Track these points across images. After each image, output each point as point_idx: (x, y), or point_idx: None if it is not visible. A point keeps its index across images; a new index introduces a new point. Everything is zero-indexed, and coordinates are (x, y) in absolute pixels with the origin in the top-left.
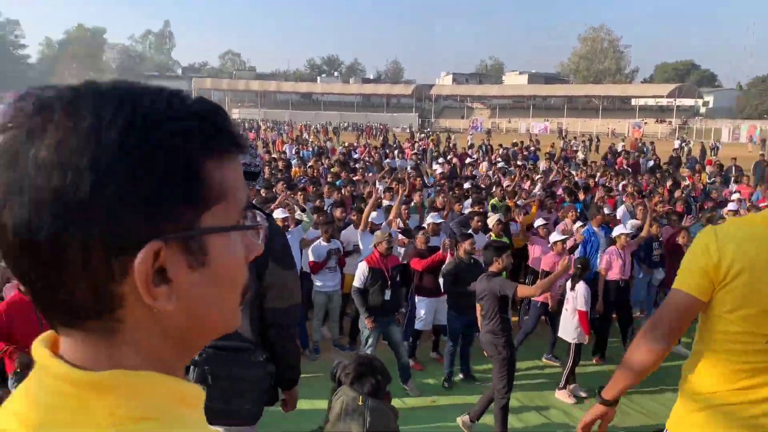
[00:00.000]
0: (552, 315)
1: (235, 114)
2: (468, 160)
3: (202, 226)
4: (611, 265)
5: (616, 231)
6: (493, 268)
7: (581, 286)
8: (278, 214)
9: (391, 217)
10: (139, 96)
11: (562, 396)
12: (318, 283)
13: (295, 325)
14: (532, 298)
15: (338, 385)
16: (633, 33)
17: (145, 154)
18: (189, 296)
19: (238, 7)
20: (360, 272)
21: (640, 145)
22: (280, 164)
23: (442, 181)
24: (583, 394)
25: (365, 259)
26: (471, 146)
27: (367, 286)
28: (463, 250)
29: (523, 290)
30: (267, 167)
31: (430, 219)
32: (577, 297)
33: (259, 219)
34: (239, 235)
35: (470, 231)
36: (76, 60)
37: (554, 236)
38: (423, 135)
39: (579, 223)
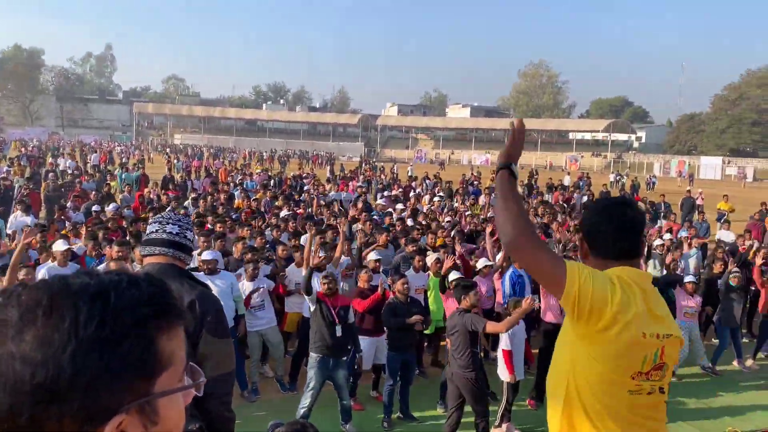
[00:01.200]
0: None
1: (177, 139)
2: (412, 194)
3: (155, 391)
4: (549, 306)
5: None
6: (463, 305)
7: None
8: (207, 255)
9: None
10: (107, 291)
11: None
12: (248, 323)
13: (230, 392)
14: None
15: None
16: (571, 69)
17: (116, 343)
18: None
19: (183, 32)
20: (310, 301)
21: (577, 180)
22: (222, 197)
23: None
24: None
25: (317, 292)
26: (413, 178)
27: (315, 318)
28: (396, 290)
29: (491, 326)
30: (209, 198)
31: (372, 256)
32: (500, 337)
33: (196, 375)
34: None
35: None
36: (11, 81)
37: (482, 262)
38: (367, 165)
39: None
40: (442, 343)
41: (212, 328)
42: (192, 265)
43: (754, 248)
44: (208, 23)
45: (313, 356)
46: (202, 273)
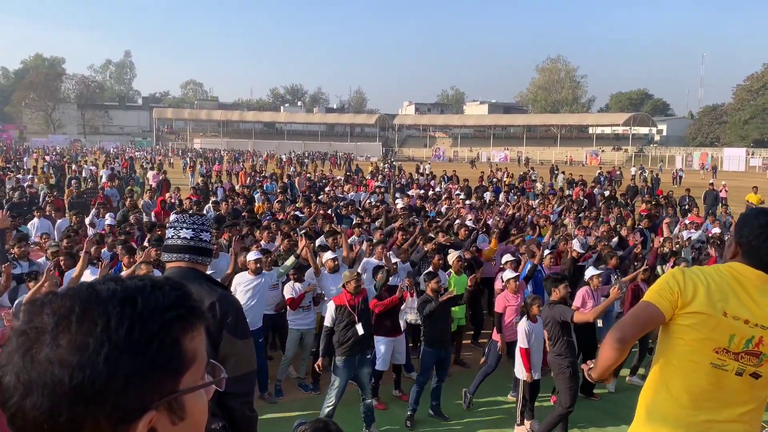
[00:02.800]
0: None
1: (197, 144)
2: (431, 193)
3: (181, 388)
4: (585, 304)
5: (588, 273)
6: (553, 297)
7: (522, 323)
8: (251, 256)
9: (344, 255)
10: (134, 297)
11: None
12: (293, 321)
13: (251, 391)
14: (492, 338)
15: None
16: (589, 63)
17: (145, 345)
18: None
19: (200, 37)
20: (328, 313)
21: (597, 175)
22: (241, 201)
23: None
24: None
25: (333, 299)
26: (432, 176)
27: (335, 325)
28: (429, 289)
29: (579, 316)
30: (228, 202)
31: (391, 258)
32: (519, 335)
33: (217, 371)
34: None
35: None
36: (33, 90)
37: (507, 274)
38: (386, 166)
39: (508, 257)
40: (464, 342)
41: (232, 329)
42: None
43: None
44: (224, 27)
45: (339, 359)
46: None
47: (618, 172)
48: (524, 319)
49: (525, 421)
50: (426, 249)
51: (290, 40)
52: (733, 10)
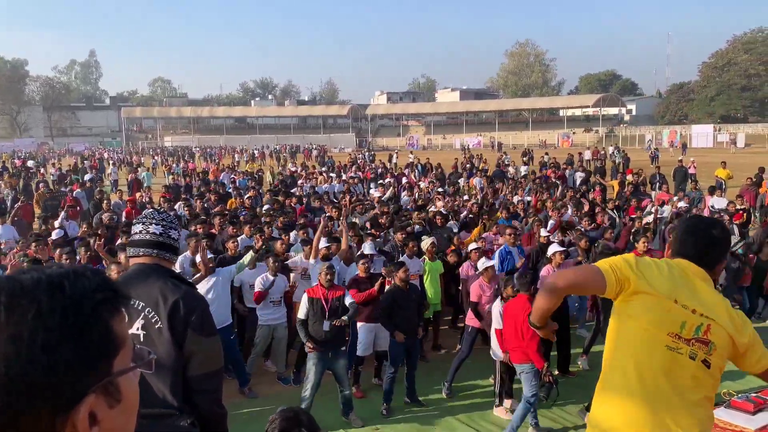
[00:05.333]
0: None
1: (168, 142)
2: (404, 180)
3: (115, 371)
4: None
5: (551, 250)
6: None
7: (496, 305)
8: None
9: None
10: (60, 283)
11: (499, 413)
12: (263, 316)
13: (220, 388)
14: (466, 324)
15: None
16: (558, 46)
17: (81, 329)
18: (111, 427)
19: (166, 34)
20: (302, 303)
21: (569, 156)
22: (212, 198)
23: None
24: None
25: (306, 290)
26: (406, 165)
27: (308, 317)
28: (398, 278)
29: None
30: (200, 201)
31: (367, 249)
32: (493, 317)
33: (144, 353)
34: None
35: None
36: None
37: (483, 262)
38: (365, 155)
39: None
40: (441, 327)
41: (198, 326)
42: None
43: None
44: (191, 23)
45: (312, 352)
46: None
47: (602, 153)
48: (498, 300)
49: (504, 401)
50: (396, 239)
51: (258, 34)
52: None
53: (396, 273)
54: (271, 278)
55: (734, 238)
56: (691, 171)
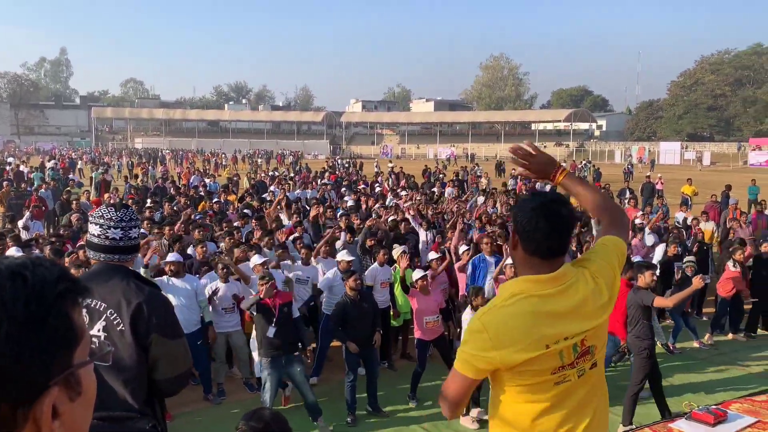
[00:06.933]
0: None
1: (138, 143)
2: (377, 189)
3: (75, 363)
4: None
5: (509, 261)
6: (639, 283)
7: (466, 313)
8: (171, 257)
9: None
10: (21, 272)
11: (466, 422)
12: (216, 324)
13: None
14: (416, 337)
15: None
16: (531, 61)
17: (43, 319)
18: (72, 421)
19: (140, 34)
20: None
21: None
22: (182, 201)
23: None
24: (486, 418)
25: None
26: (378, 174)
27: (256, 323)
28: (348, 287)
29: (659, 301)
30: (168, 204)
31: (343, 257)
32: (463, 324)
33: (100, 348)
34: None
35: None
36: None
37: (416, 273)
38: (340, 162)
39: (464, 247)
40: (410, 336)
41: (162, 329)
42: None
43: (717, 235)
44: (165, 24)
45: (265, 360)
46: (165, 277)
47: (579, 167)
48: (468, 309)
49: (471, 410)
50: (367, 245)
51: (234, 37)
52: (668, 8)
53: (346, 281)
54: (222, 285)
55: (688, 257)
56: (658, 187)
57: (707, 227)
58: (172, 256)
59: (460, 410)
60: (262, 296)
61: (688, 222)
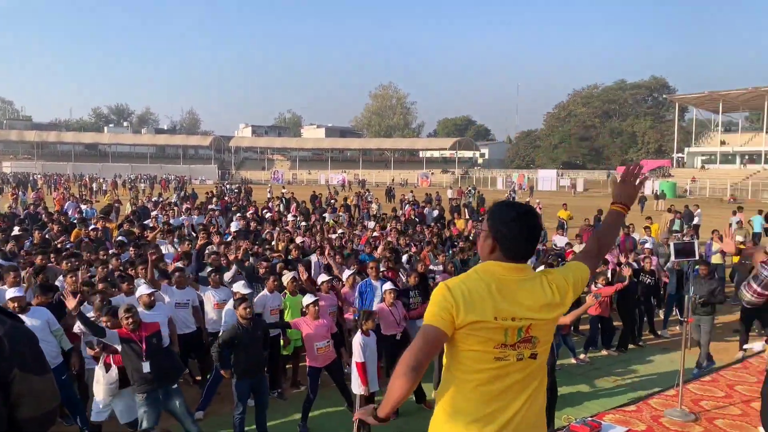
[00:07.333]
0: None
1: (6, 168)
2: (267, 215)
3: None
4: (386, 317)
5: (385, 287)
6: None
7: (357, 337)
8: (12, 293)
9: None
10: None
11: None
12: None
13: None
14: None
15: None
16: (419, 90)
17: None
18: None
19: (8, 51)
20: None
21: (428, 195)
22: (55, 228)
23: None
24: None
25: (117, 330)
26: (270, 199)
27: (124, 359)
28: (239, 314)
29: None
30: (39, 232)
31: (239, 289)
32: (354, 350)
33: None
34: None
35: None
36: None
37: (307, 299)
38: (227, 187)
39: (348, 272)
40: (301, 364)
41: (27, 364)
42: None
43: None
44: (37, 41)
45: (139, 396)
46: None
47: (466, 193)
48: (359, 333)
49: None
50: (260, 271)
51: (115, 57)
52: (544, 43)
53: (236, 309)
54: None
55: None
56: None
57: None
58: (13, 291)
59: (421, 373)
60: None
61: (563, 247)
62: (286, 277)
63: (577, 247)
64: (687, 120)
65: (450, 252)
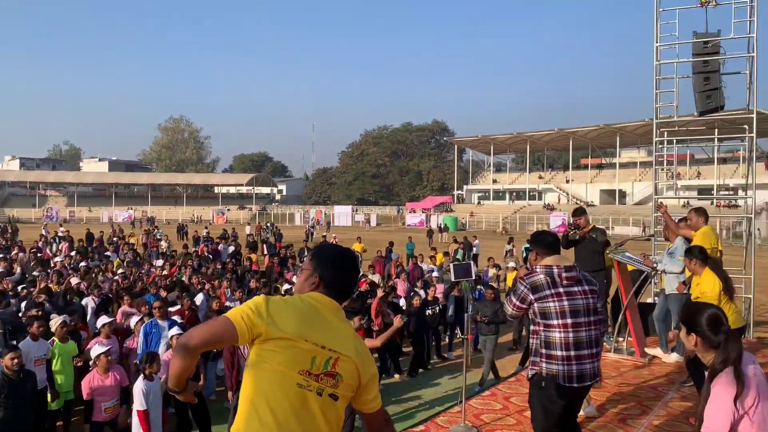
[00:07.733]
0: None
1: None
2: (39, 254)
3: None
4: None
5: (172, 332)
6: None
7: (138, 383)
8: None
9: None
10: None
11: None
12: None
13: None
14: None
15: None
16: (213, 125)
17: None
18: None
19: None
20: None
21: (223, 232)
22: None
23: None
24: None
25: None
26: (43, 238)
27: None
28: (5, 366)
29: (368, 342)
30: None
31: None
32: (134, 398)
33: None
34: None
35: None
36: None
37: (96, 349)
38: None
39: (135, 318)
40: (73, 419)
41: None
42: None
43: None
44: None
45: None
46: None
47: (265, 229)
48: (141, 378)
49: None
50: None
51: None
52: (337, 83)
53: (2, 360)
54: None
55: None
56: None
57: (374, 279)
58: None
59: (191, 353)
60: None
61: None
62: (54, 322)
63: (371, 277)
64: (465, 160)
65: (246, 288)
